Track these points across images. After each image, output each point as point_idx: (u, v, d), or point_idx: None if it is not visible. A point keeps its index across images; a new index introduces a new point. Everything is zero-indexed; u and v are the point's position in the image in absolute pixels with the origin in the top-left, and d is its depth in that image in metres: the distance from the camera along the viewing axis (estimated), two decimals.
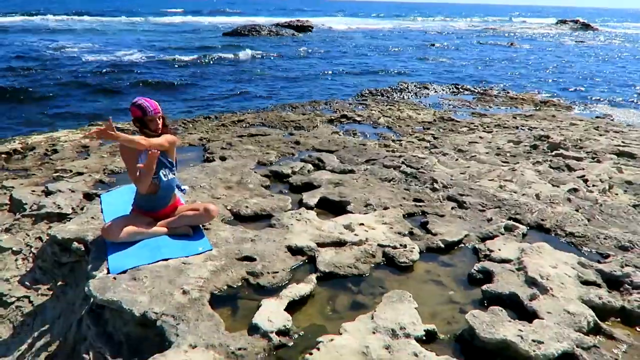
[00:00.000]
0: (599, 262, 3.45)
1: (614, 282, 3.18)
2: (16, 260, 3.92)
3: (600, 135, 7.81)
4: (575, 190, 4.89)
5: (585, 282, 3.15)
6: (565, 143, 6.82)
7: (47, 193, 4.80)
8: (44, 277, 3.67)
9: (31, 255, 3.92)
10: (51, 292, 3.51)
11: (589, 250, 3.67)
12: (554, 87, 16.07)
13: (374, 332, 2.55)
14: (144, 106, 3.32)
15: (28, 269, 3.79)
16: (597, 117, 10.80)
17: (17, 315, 3.43)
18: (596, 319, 2.75)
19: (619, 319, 2.89)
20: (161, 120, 3.41)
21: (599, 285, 3.13)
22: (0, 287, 3.67)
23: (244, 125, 8.03)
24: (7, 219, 4.55)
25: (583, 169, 5.67)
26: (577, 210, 4.37)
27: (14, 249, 4.05)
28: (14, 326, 3.37)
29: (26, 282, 3.66)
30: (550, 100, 12.84)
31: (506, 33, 46.28)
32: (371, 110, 9.74)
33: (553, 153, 6.39)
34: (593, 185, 5.09)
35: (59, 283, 3.52)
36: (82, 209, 4.33)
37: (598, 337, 2.69)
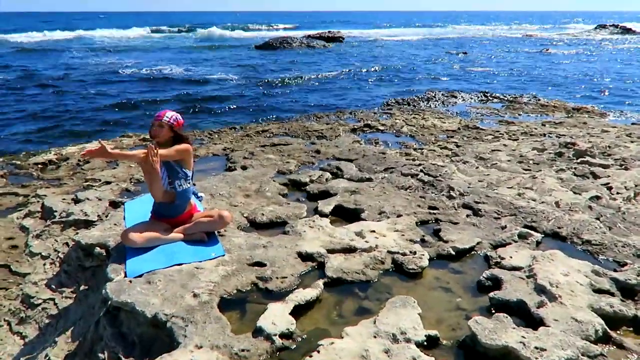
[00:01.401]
0: (615, 270, 3.37)
1: (628, 291, 3.10)
2: (44, 264, 4.14)
3: (632, 142, 7.57)
4: (598, 197, 4.78)
5: (598, 291, 3.08)
6: (592, 150, 6.65)
7: (76, 201, 5.04)
8: (68, 280, 3.86)
9: (58, 259, 4.13)
10: (74, 295, 3.69)
11: (605, 258, 3.59)
12: (588, 94, 15.66)
13: (374, 337, 2.58)
14: (155, 114, 3.51)
15: (55, 273, 4.00)
16: (633, 123, 10.44)
17: (43, 317, 3.62)
18: (605, 327, 2.69)
19: (631, 329, 2.82)
20: (163, 128, 3.52)
21: (612, 294, 3.06)
22: (29, 289, 3.88)
23: (267, 135, 8.19)
24: (38, 225, 4.81)
25: (609, 176, 5.53)
26: (597, 219, 4.27)
27: (43, 254, 4.28)
28: (40, 327, 3.55)
29: (52, 285, 3.85)
30: (583, 107, 12.50)
31: (543, 40, 45.35)
32: (395, 119, 9.75)
33: (578, 160, 6.25)
34: (617, 193, 4.96)
35: (82, 287, 3.70)
36: (107, 216, 4.53)
37: (607, 346, 2.64)
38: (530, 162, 6.27)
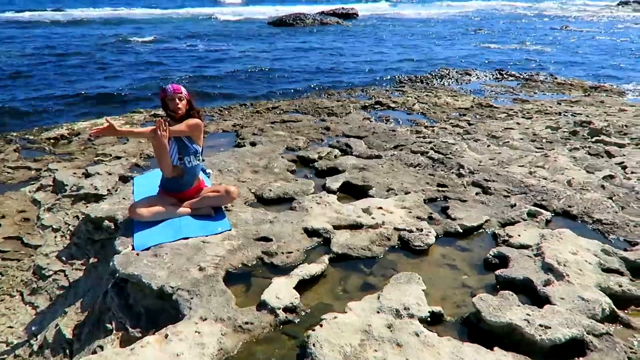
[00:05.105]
0: (625, 250, 3.32)
1: (638, 271, 3.06)
2: (55, 237, 4.20)
3: None
4: (612, 177, 4.68)
5: (607, 270, 3.04)
6: (607, 129, 6.51)
7: (87, 175, 5.09)
8: (78, 252, 3.92)
9: (69, 232, 4.19)
10: (84, 267, 3.75)
11: (616, 237, 3.54)
12: (607, 72, 15.26)
13: (378, 312, 2.58)
14: (165, 88, 3.48)
15: (65, 245, 4.06)
16: None
17: (54, 288, 3.69)
18: (613, 306, 2.66)
19: None
20: (182, 101, 3.52)
21: (621, 273, 3.02)
22: (41, 261, 3.95)
23: (277, 112, 8.14)
24: (50, 199, 4.87)
25: (624, 155, 5.42)
26: (610, 198, 4.20)
27: (54, 226, 4.34)
28: (51, 297, 3.63)
29: (63, 257, 3.92)
30: (601, 85, 12.22)
31: (560, 16, 44.13)
32: (407, 96, 9.63)
33: (593, 139, 6.13)
34: (632, 172, 4.86)
35: (91, 259, 3.75)
36: (116, 190, 4.57)
37: (614, 325, 2.61)
38: (544, 140, 6.16)
